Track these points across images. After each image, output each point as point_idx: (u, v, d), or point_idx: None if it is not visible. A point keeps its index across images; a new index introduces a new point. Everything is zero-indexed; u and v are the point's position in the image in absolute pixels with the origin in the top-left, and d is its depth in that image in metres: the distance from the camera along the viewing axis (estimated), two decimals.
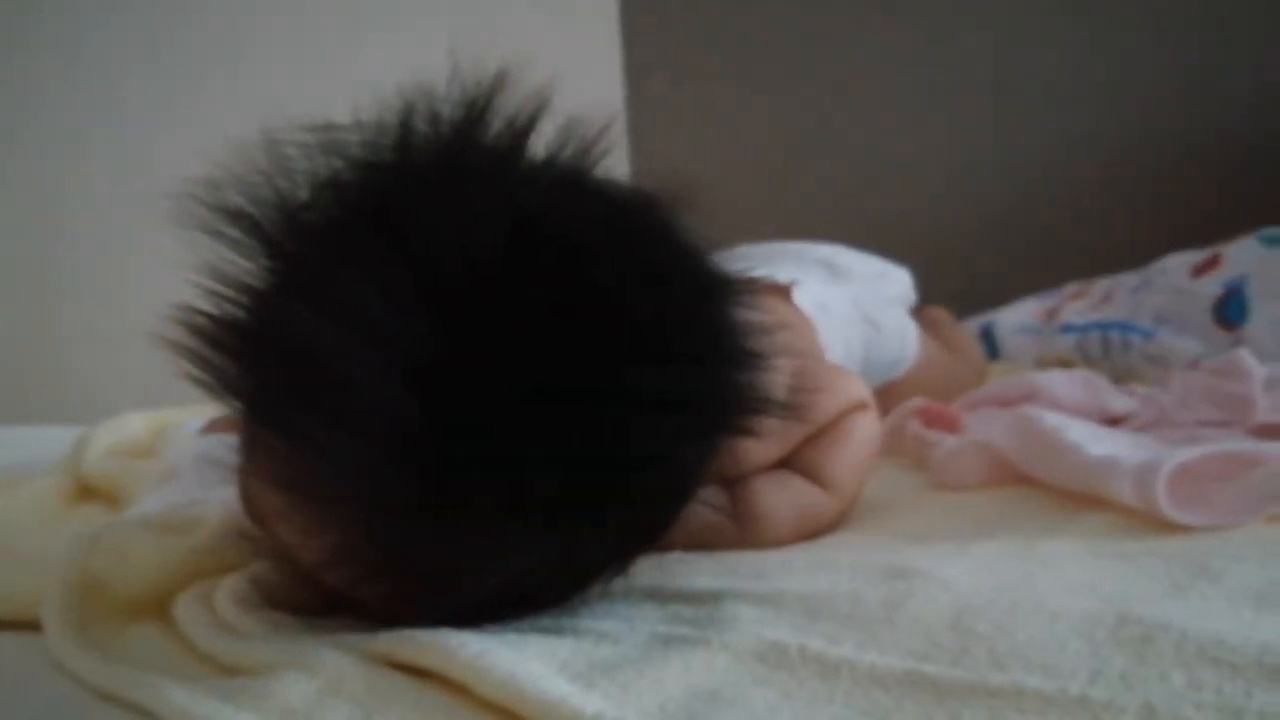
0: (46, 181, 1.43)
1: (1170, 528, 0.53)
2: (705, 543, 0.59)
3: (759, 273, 0.80)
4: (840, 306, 0.85)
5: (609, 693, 0.38)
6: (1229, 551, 0.49)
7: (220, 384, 0.44)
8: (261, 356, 0.43)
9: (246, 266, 0.44)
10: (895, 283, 0.94)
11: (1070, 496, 0.60)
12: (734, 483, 0.61)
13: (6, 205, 1.41)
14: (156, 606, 0.49)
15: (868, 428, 0.64)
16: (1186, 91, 1.69)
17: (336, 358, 0.40)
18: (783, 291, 0.82)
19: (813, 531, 0.60)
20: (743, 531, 0.60)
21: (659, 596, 0.49)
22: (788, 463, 0.63)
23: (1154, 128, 1.71)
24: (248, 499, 0.48)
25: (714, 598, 0.47)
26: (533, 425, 0.41)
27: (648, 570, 0.54)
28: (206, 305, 0.44)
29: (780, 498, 0.61)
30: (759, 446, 0.56)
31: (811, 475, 0.62)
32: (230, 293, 0.44)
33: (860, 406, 0.64)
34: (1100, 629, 0.40)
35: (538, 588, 0.45)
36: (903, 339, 0.91)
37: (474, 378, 0.40)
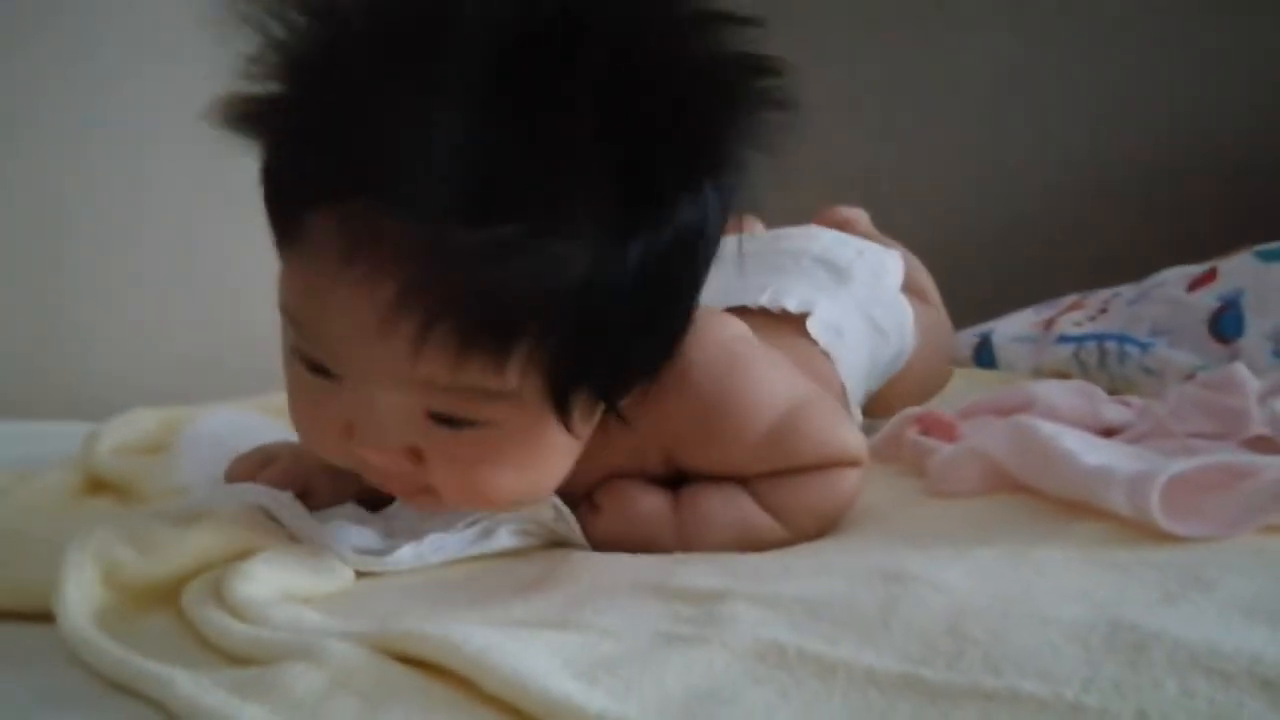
0: (53, 178, 1.44)
1: (1163, 537, 0.53)
2: (647, 536, 0.61)
3: (768, 294, 0.80)
4: (852, 323, 0.84)
5: (612, 689, 0.39)
6: (1222, 562, 0.49)
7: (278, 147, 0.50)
8: (318, 100, 0.49)
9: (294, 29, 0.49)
10: (891, 273, 0.93)
11: (1065, 505, 0.61)
12: (682, 487, 0.63)
13: (15, 201, 1.41)
14: (169, 595, 0.50)
15: (849, 484, 0.63)
16: (1184, 106, 1.70)
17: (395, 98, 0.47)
18: (796, 323, 0.80)
19: (756, 550, 0.60)
20: (681, 530, 0.61)
21: (661, 594, 0.50)
22: (749, 488, 0.63)
23: (1151, 142, 1.72)
24: (290, 300, 0.53)
25: (714, 597, 0.48)
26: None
27: (650, 568, 0.55)
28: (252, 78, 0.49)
29: (724, 509, 0.62)
30: (715, 452, 0.61)
31: (769, 508, 0.62)
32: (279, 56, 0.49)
33: (850, 462, 0.63)
34: (1094, 636, 0.40)
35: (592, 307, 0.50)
36: (903, 335, 0.90)
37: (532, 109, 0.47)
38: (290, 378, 0.56)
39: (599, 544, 0.61)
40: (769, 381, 0.63)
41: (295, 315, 0.53)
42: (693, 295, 0.56)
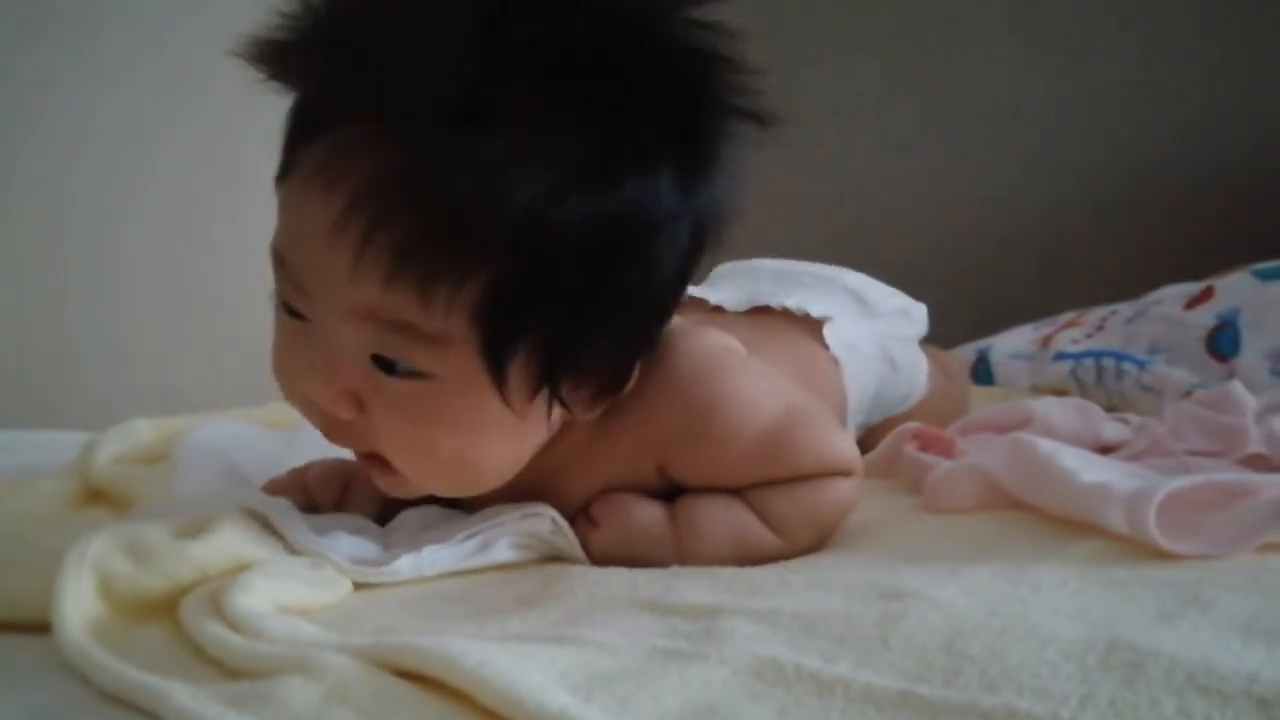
0: (46, 190, 1.44)
1: (1161, 556, 0.53)
2: (644, 547, 0.61)
3: (794, 299, 0.81)
4: (866, 346, 0.85)
5: (607, 705, 0.39)
6: (1219, 581, 0.49)
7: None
8: None
9: None
10: (914, 320, 0.94)
11: (1062, 522, 0.61)
12: (677, 498, 0.63)
13: (9, 212, 1.41)
14: (167, 607, 0.50)
15: (843, 493, 0.63)
16: (1180, 125, 1.71)
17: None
18: (814, 326, 0.82)
19: (753, 561, 0.60)
20: (677, 541, 0.62)
21: (658, 609, 0.50)
22: (744, 499, 0.63)
23: (1148, 161, 1.73)
24: (275, 240, 0.55)
25: (712, 612, 0.48)
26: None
27: (647, 583, 0.55)
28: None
29: (720, 519, 0.62)
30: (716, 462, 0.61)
31: (764, 517, 0.62)
32: None
33: (845, 472, 0.63)
34: (1091, 654, 0.41)
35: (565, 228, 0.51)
36: (913, 378, 0.92)
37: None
38: (275, 328, 0.58)
39: (596, 557, 0.61)
40: (757, 386, 0.64)
41: (277, 252, 0.56)
42: (645, 288, 0.56)
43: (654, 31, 0.53)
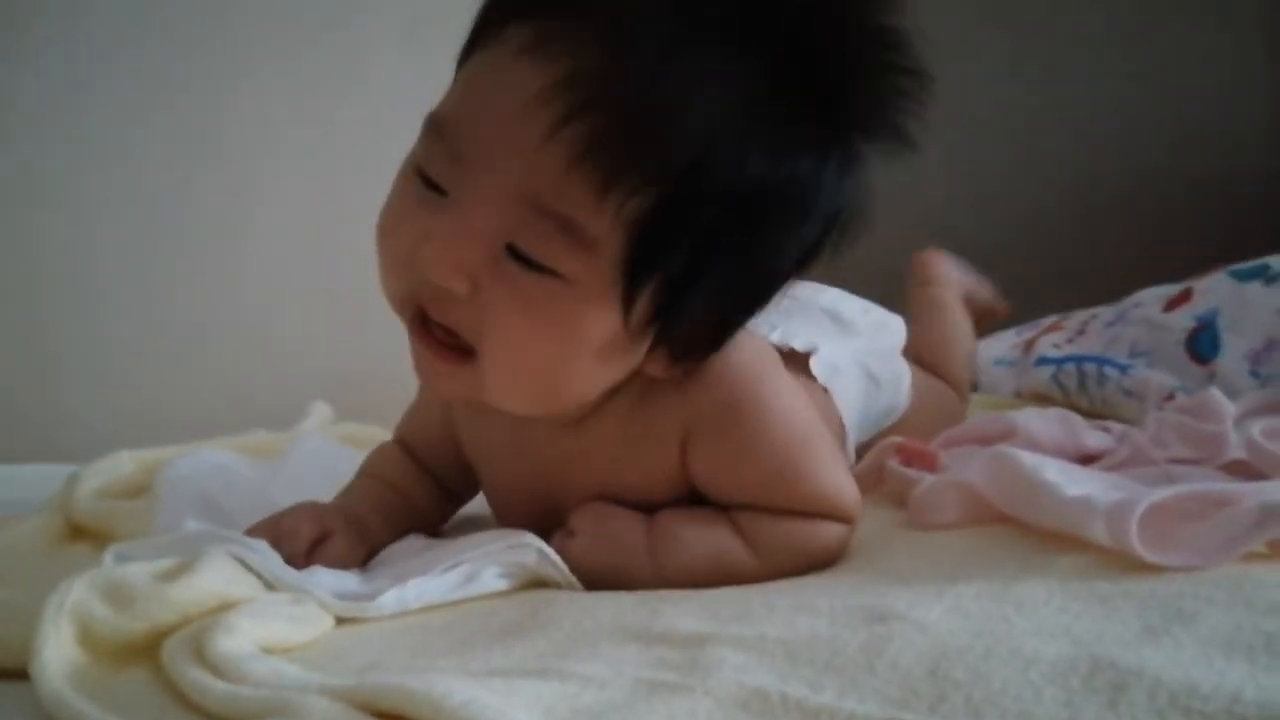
0: (27, 223, 1.43)
1: (1144, 567, 0.54)
2: (620, 559, 0.62)
3: (778, 332, 0.82)
4: (848, 366, 0.86)
5: None
6: (1201, 593, 0.49)
7: None
8: None
9: None
10: (894, 333, 0.94)
11: (1047, 535, 0.61)
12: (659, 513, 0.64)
13: None
14: (148, 650, 0.49)
15: (834, 538, 0.64)
16: (1158, 128, 1.72)
17: None
18: (801, 360, 0.82)
19: (729, 581, 0.60)
20: (654, 551, 0.62)
21: (644, 638, 0.50)
22: (733, 516, 0.63)
23: (1127, 164, 1.74)
24: (443, 106, 0.57)
25: (698, 641, 0.48)
26: None
27: (634, 608, 0.55)
28: None
29: (700, 537, 0.62)
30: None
31: (751, 541, 0.62)
32: None
33: (843, 518, 0.64)
34: (1074, 676, 0.41)
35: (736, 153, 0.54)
36: (896, 391, 0.92)
37: None
38: (392, 197, 0.59)
39: (575, 566, 0.62)
40: (792, 403, 0.65)
41: (443, 116, 0.57)
42: (774, 263, 0.58)
43: (858, 28, 0.56)
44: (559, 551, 0.62)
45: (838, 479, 0.65)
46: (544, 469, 0.66)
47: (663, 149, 0.53)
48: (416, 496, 0.73)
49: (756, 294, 0.60)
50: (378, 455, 0.75)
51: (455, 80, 0.59)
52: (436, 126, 0.57)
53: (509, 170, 0.54)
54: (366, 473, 0.74)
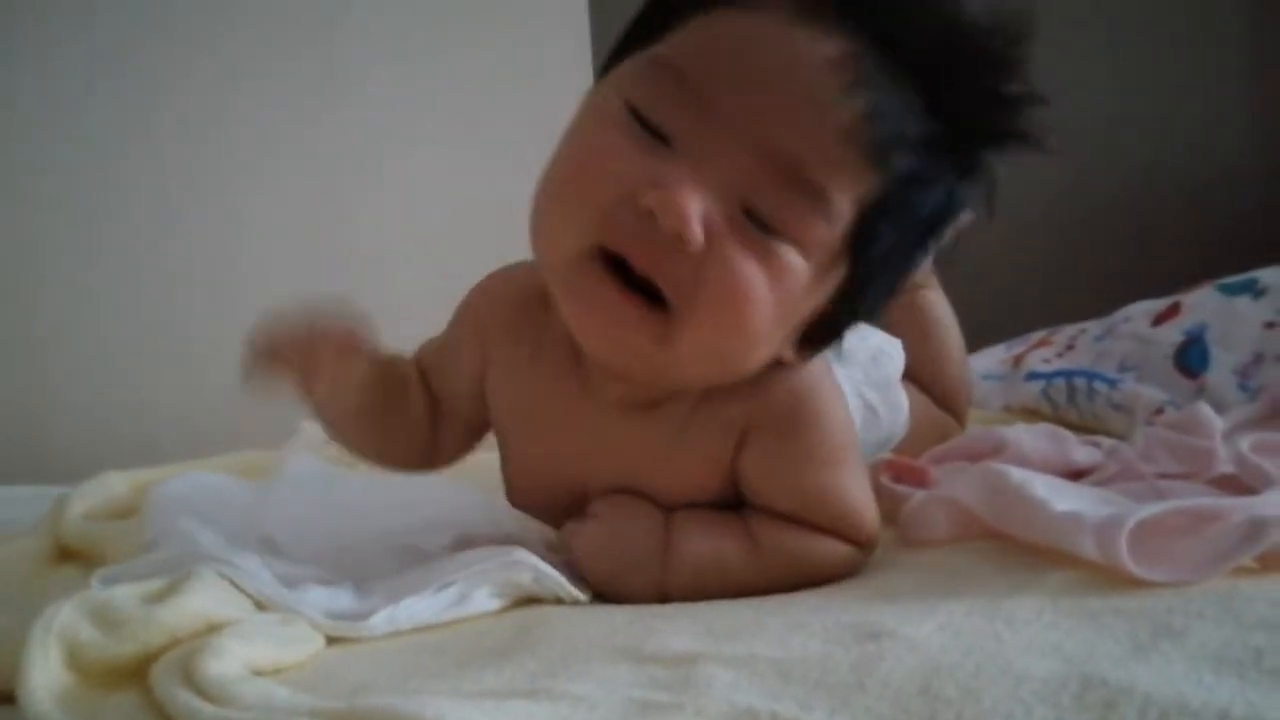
0: (18, 242, 1.43)
1: (1133, 583, 0.54)
2: (630, 549, 0.62)
3: None
4: (847, 397, 0.87)
5: None
6: (1190, 609, 0.50)
7: None
8: None
9: None
10: (892, 360, 0.95)
11: (1037, 551, 0.61)
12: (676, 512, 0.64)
13: None
14: (137, 673, 0.49)
15: (845, 562, 0.64)
16: (1144, 140, 1.73)
17: None
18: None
19: (734, 587, 0.61)
20: (666, 550, 0.62)
21: (636, 657, 0.50)
22: (750, 524, 0.64)
23: (1115, 178, 1.75)
24: (681, 54, 0.56)
25: (689, 660, 0.48)
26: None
27: (627, 625, 0.54)
28: None
29: (707, 536, 0.63)
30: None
31: (759, 542, 0.63)
32: None
33: (861, 543, 0.64)
34: (1064, 693, 0.41)
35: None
36: (894, 420, 0.92)
37: None
38: (589, 136, 0.57)
39: (585, 551, 0.62)
40: (846, 416, 0.66)
41: (683, 64, 0.55)
42: (913, 268, 0.61)
43: (1009, 60, 0.58)
44: (571, 536, 0.62)
45: (866, 500, 0.65)
46: (588, 451, 0.65)
47: (914, 149, 0.55)
48: (413, 406, 0.70)
49: (890, 298, 0.62)
50: (389, 354, 0.70)
51: (692, 27, 0.57)
52: (673, 73, 0.55)
53: (767, 130, 0.53)
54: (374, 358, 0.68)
